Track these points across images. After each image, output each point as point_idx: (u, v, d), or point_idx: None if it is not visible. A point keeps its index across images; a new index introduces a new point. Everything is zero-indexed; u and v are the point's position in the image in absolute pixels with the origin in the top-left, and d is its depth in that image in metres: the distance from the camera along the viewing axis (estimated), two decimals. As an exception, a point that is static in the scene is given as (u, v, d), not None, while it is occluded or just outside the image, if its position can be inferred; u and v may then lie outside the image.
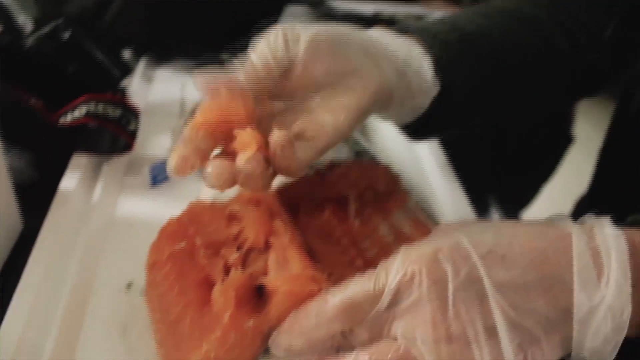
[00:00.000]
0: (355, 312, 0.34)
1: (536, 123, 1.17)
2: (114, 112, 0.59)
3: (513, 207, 1.38)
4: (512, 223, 0.35)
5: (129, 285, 0.50)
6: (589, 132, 1.39)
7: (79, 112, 0.57)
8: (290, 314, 0.36)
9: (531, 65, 0.52)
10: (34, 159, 0.60)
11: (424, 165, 0.69)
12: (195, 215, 0.45)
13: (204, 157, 0.38)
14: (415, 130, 0.50)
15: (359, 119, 0.41)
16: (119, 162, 0.63)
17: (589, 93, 0.59)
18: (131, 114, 0.61)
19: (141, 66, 0.84)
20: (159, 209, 0.59)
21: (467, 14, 0.53)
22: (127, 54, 0.86)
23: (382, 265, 0.34)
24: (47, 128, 0.57)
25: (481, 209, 1.28)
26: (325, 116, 0.40)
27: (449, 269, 0.32)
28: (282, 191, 0.48)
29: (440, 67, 0.45)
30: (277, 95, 0.41)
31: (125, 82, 0.73)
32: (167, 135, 0.68)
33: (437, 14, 1.05)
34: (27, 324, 0.42)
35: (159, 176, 0.61)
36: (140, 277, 0.49)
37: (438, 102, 0.46)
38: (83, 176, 0.59)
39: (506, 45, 0.50)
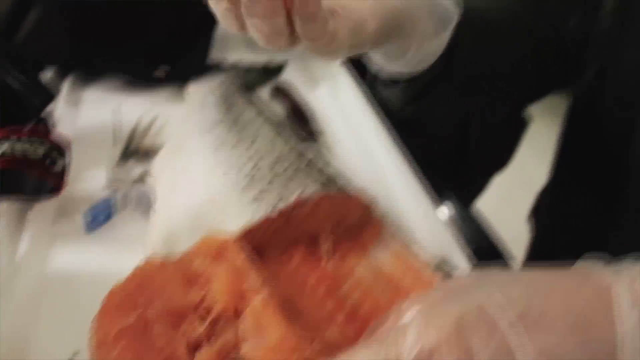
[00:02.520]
0: None
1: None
2: (35, 151, 0.51)
3: (467, 197, 1.36)
4: (541, 274, 0.30)
5: (75, 354, 0.42)
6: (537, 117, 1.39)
7: (-7, 155, 0.49)
8: None
9: (526, 43, 0.53)
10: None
11: (388, 176, 0.64)
12: (145, 279, 0.37)
13: None
14: (423, 84, 0.50)
15: (384, 25, 0.41)
16: (46, 206, 0.54)
17: (559, 85, 0.61)
18: (57, 150, 0.53)
19: (66, 88, 0.75)
20: (99, 258, 0.51)
21: None
22: (47, 75, 0.76)
23: (393, 336, 0.28)
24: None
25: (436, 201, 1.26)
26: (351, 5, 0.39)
27: (474, 342, 0.27)
28: (244, 237, 0.41)
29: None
30: None
31: (47, 109, 0.64)
32: (101, 169, 0.60)
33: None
34: None
35: (95, 220, 0.53)
36: (85, 345, 0.42)
37: (444, 60, 0.48)
38: (4, 227, 0.51)
39: (504, 20, 0.52)
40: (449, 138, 1.09)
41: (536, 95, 0.61)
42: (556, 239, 0.71)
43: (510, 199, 2.00)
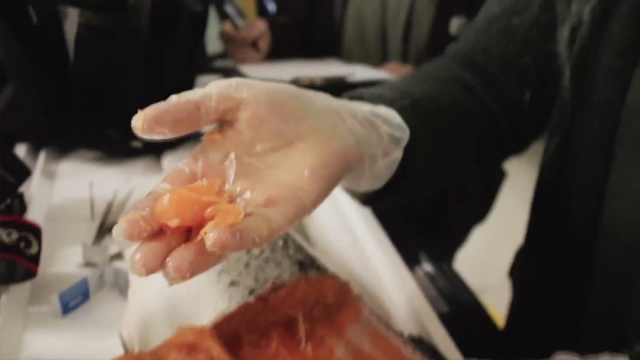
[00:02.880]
0: None
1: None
2: (9, 236, 0.50)
3: (447, 250, 1.37)
4: None
5: None
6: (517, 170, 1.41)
7: (-34, 243, 0.48)
8: None
9: (470, 125, 0.54)
10: None
11: (365, 246, 0.65)
12: (120, 375, 0.37)
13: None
14: (378, 197, 0.49)
15: (328, 178, 0.36)
16: (20, 290, 0.53)
17: (516, 151, 0.63)
18: (31, 233, 0.52)
19: (40, 162, 0.75)
20: (75, 343, 0.50)
21: (409, 81, 0.54)
22: (21, 151, 0.77)
23: None
24: None
25: (411, 261, 1.26)
26: (285, 176, 0.35)
27: None
28: (220, 325, 0.41)
29: None
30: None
31: (24, 186, 0.64)
32: (77, 247, 0.59)
33: (358, 74, 1.02)
34: None
35: (71, 302, 0.53)
36: None
37: (401, 165, 0.45)
38: (-24, 313, 0.50)
39: (449, 108, 0.52)
40: (426, 200, 1.10)
41: (500, 161, 0.63)
42: (533, 303, 0.72)
43: (492, 248, 2.02)
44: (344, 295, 0.47)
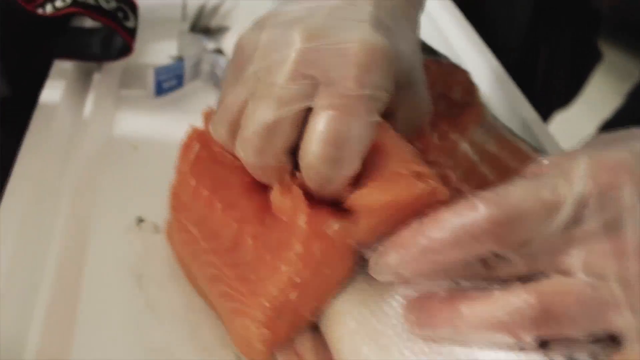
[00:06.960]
0: (515, 228, 0.23)
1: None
2: (108, 2, 0.46)
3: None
4: None
5: (140, 221, 0.39)
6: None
7: (63, 0, 0.45)
8: (411, 223, 0.25)
9: None
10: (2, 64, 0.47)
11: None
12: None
13: None
14: None
15: None
16: (113, 69, 0.50)
17: None
18: (129, 6, 0.49)
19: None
20: (167, 124, 0.47)
21: None
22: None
23: (556, 171, 0.24)
24: (19, 18, 0.44)
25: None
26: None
27: None
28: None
29: None
30: None
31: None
32: (170, 41, 0.55)
33: None
34: (9, 276, 0.32)
35: (165, 83, 0.49)
36: (150, 211, 0.39)
37: None
38: (69, 86, 0.47)
39: None
40: (517, 61, 1.01)
41: None
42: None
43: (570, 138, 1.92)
44: (469, 96, 0.42)
